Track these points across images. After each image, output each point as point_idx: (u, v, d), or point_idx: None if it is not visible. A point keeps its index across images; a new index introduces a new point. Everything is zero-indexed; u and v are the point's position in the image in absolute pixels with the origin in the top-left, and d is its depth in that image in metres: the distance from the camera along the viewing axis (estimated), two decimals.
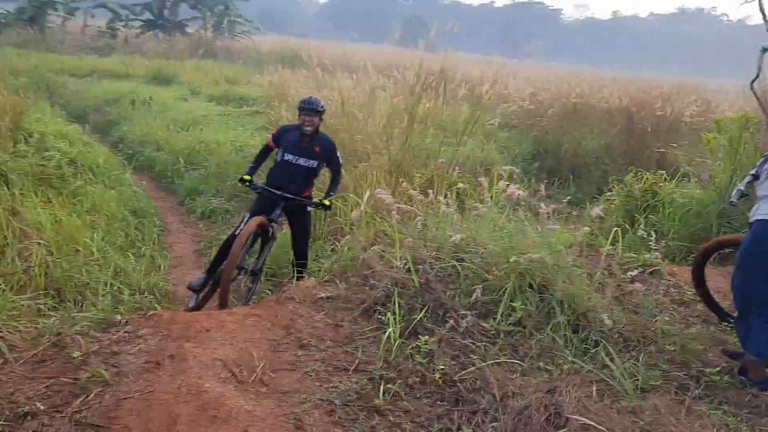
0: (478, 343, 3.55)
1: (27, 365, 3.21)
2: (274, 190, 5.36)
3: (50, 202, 6.55)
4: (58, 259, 5.27)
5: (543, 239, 4.15)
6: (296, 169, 5.45)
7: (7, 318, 3.54)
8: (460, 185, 4.95)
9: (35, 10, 24.18)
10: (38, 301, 4.40)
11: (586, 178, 9.41)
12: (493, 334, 3.66)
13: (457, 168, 6.13)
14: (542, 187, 4.83)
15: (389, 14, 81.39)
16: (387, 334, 3.56)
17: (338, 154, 5.61)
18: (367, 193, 5.44)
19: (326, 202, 5.38)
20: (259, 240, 5.45)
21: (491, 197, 4.73)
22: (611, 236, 4.39)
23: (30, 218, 5.83)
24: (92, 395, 3.02)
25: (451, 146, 7.37)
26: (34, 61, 17.02)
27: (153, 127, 11.30)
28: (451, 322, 3.69)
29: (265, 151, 5.74)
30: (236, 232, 5.43)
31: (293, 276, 5.49)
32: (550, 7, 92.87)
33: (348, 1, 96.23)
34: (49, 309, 4.47)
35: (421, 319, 3.74)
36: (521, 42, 61.89)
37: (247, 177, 5.48)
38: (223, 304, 4.79)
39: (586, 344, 3.60)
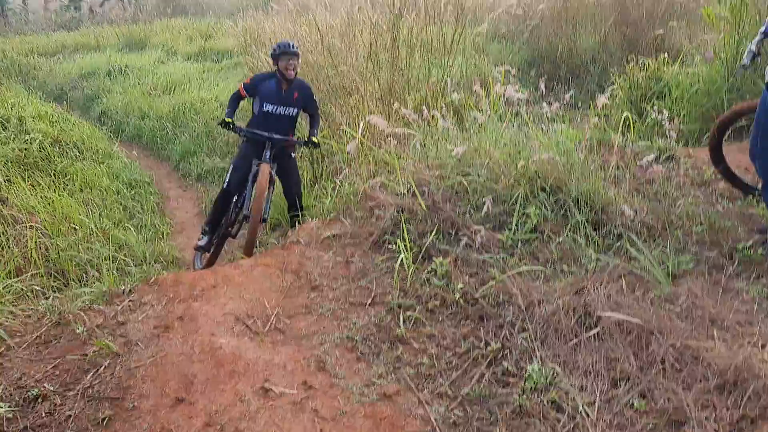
0: (496, 257, 3.37)
1: (31, 348, 3.08)
2: (260, 132, 5.25)
3: (39, 184, 6.38)
4: (55, 240, 5.12)
5: (550, 139, 3.90)
6: (279, 119, 5.35)
7: (6, 303, 3.39)
8: (455, 96, 4.66)
9: None
10: (37, 283, 4.26)
11: (586, 78, 9.04)
12: (509, 245, 3.46)
13: (451, 85, 5.82)
14: (542, 86, 4.54)
15: None
16: (399, 261, 3.38)
17: (315, 97, 5.54)
18: (361, 124, 5.18)
19: (315, 139, 5.30)
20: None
21: (489, 104, 4.45)
22: (621, 125, 4.14)
23: (20, 203, 5.67)
24: (102, 368, 2.90)
25: (440, 66, 7.03)
26: (0, 45, 16.52)
27: (134, 95, 10.98)
28: (465, 239, 3.50)
29: (237, 98, 5.55)
30: (225, 187, 5.44)
31: (291, 225, 5.40)
32: None
33: None
34: (53, 290, 4.35)
35: (432, 241, 3.55)
36: None
37: (228, 120, 5.30)
38: (249, 252, 4.75)
39: (609, 240, 3.40)
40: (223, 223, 5.60)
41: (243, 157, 5.43)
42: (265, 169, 5.02)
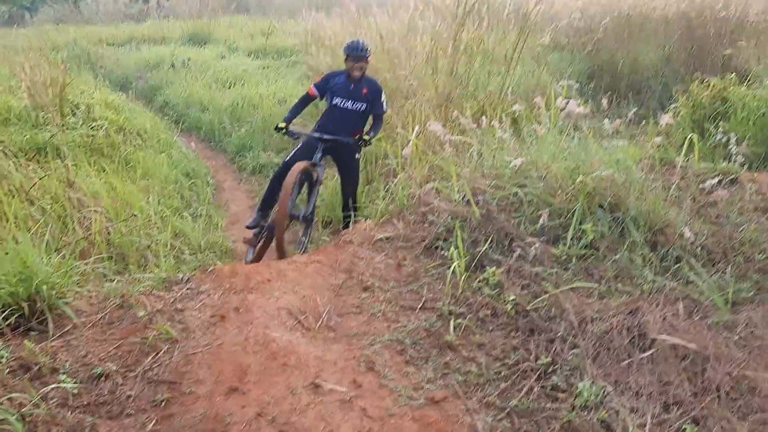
0: (549, 270, 3.37)
1: (96, 328, 3.22)
2: (311, 133, 5.36)
3: (104, 170, 6.61)
4: (117, 224, 5.30)
5: (610, 156, 3.87)
6: (346, 114, 5.44)
7: (73, 284, 3.55)
8: (516, 107, 4.67)
9: None
10: (102, 266, 4.43)
11: (647, 93, 8.89)
12: (564, 260, 3.46)
13: (509, 95, 5.82)
14: (604, 102, 4.50)
15: None
16: (452, 268, 3.41)
17: (383, 98, 5.52)
18: (417, 128, 5.22)
19: (365, 137, 5.31)
20: (306, 186, 5.43)
21: (549, 118, 4.44)
22: (685, 145, 4.07)
23: (85, 188, 5.88)
24: (162, 353, 3.01)
25: (500, 74, 7.02)
26: (72, 34, 17.14)
27: (195, 88, 11.27)
28: (518, 251, 3.51)
29: (305, 101, 5.63)
30: (283, 163, 5.50)
31: (342, 222, 5.60)
32: None
33: None
34: (114, 273, 4.52)
35: (486, 250, 3.57)
36: None
37: (282, 124, 5.38)
38: (281, 255, 4.75)
39: (666, 261, 3.36)
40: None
41: (298, 152, 5.48)
42: (296, 168, 4.96)
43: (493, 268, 3.38)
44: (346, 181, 5.59)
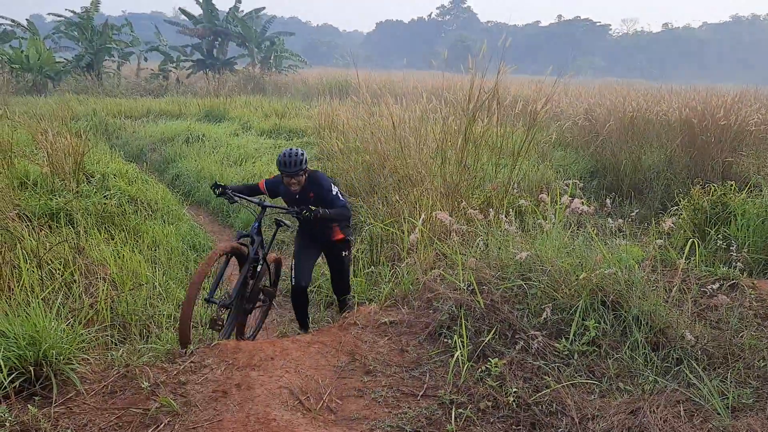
0: (552, 365, 3.41)
1: (98, 396, 3.24)
2: (249, 198, 4.85)
3: (113, 238, 6.72)
4: (123, 294, 5.35)
5: (613, 255, 3.98)
6: (308, 220, 4.84)
7: (77, 351, 3.58)
8: (522, 202, 4.82)
9: (91, 57, 25.33)
10: (105, 334, 4.47)
11: (649, 194, 9.11)
12: (566, 355, 3.50)
13: (515, 188, 6.00)
14: (608, 203, 4.67)
15: (433, 40, 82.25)
16: (455, 357, 3.45)
17: (334, 192, 4.91)
18: (423, 215, 5.37)
19: (308, 209, 4.63)
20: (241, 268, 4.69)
21: (554, 214, 4.58)
22: (687, 249, 4.18)
23: (94, 255, 5.97)
24: (162, 425, 3.02)
25: (506, 167, 7.25)
26: (92, 105, 17.72)
27: (207, 163, 11.54)
28: (521, 343, 3.56)
29: (255, 190, 5.12)
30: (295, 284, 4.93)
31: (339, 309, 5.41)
32: (597, 23, 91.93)
33: (391, 30, 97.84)
34: (116, 342, 4.55)
35: (489, 341, 3.61)
36: (570, 59, 61.35)
37: (220, 183, 4.90)
38: (182, 340, 3.96)
39: (668, 362, 3.41)
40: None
41: (299, 245, 5.12)
42: (217, 250, 4.41)
43: (496, 359, 3.42)
44: (335, 275, 5.30)
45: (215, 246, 8.77)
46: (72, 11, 26.59)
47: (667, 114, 10.33)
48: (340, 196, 4.97)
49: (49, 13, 30.25)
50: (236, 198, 4.87)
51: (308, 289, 5.10)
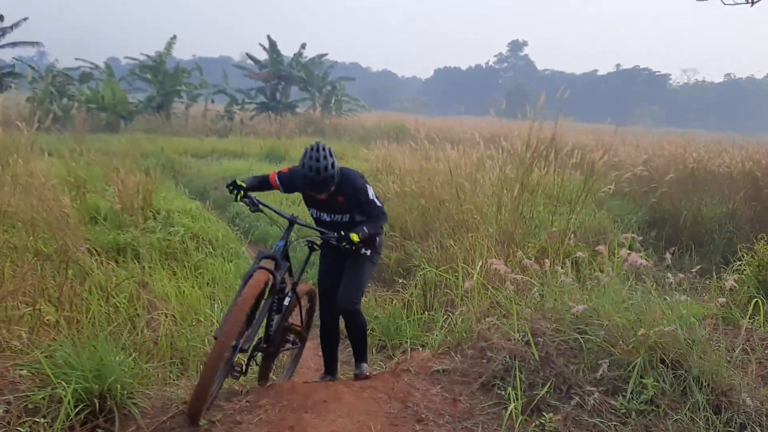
0: (608, 422, 3.34)
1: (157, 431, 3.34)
2: (279, 211, 4.08)
3: (175, 274, 6.95)
4: (183, 329, 5.51)
5: (673, 311, 3.90)
6: (332, 225, 4.10)
7: (139, 385, 3.71)
8: (579, 254, 4.79)
9: (162, 98, 26.57)
10: (165, 370, 4.61)
11: (709, 247, 8.86)
12: (623, 413, 3.43)
13: (572, 237, 5.96)
14: (668, 257, 4.59)
15: (490, 87, 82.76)
16: (508, 410, 3.42)
17: (370, 194, 4.04)
18: (480, 263, 5.38)
19: (352, 236, 3.80)
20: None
21: (612, 267, 4.53)
22: (751, 308, 4.07)
23: (157, 290, 6.18)
24: None
25: (562, 215, 7.21)
26: (160, 144, 18.51)
27: (268, 201, 11.85)
28: (577, 398, 3.51)
29: (264, 183, 4.27)
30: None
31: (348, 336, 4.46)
32: (657, 73, 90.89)
33: (449, 76, 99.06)
34: (174, 377, 4.68)
35: (543, 395, 3.57)
36: (629, 109, 60.65)
37: (241, 182, 4.01)
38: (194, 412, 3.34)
39: (730, 427, 3.29)
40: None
41: (322, 269, 4.38)
42: (260, 278, 3.58)
43: (551, 414, 3.38)
44: (343, 283, 4.18)
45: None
46: (146, 55, 28.11)
47: (729, 166, 10.09)
48: (377, 200, 4.09)
49: (125, 57, 32.08)
50: (260, 206, 3.98)
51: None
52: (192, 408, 3.29)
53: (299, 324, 4.44)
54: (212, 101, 32.39)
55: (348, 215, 4.07)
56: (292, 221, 3.95)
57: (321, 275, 4.40)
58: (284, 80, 31.50)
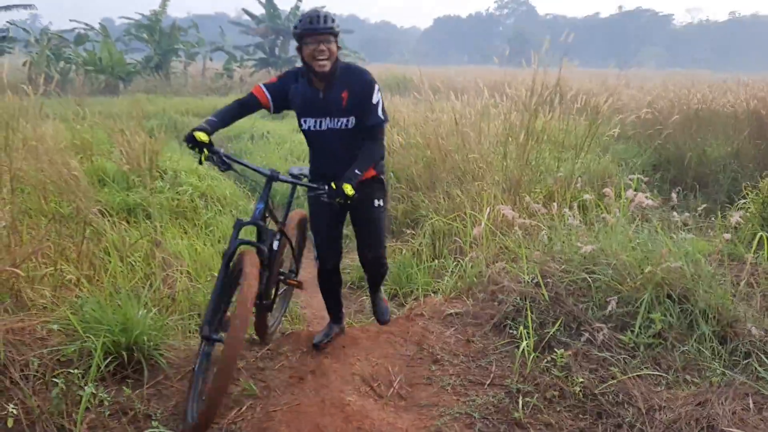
0: (617, 356, 3.47)
1: (184, 380, 3.48)
2: (253, 166, 3.42)
3: (186, 232, 7.05)
4: (199, 285, 5.64)
5: (679, 248, 3.99)
6: (330, 139, 3.42)
7: (164, 337, 3.84)
8: (586, 197, 4.86)
9: (160, 58, 26.26)
10: (185, 323, 4.74)
11: (714, 187, 8.91)
12: (632, 347, 3.55)
13: (578, 181, 6.01)
14: (674, 196, 4.66)
15: (491, 35, 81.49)
16: (521, 348, 3.54)
17: (376, 97, 3.36)
18: (487, 210, 5.45)
19: (346, 187, 3.18)
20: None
21: (618, 208, 4.60)
22: (756, 243, 4.15)
23: (171, 248, 6.29)
24: (245, 408, 3.24)
25: (568, 160, 7.25)
26: (161, 104, 18.41)
27: (272, 159, 11.87)
28: (586, 335, 3.63)
29: (246, 105, 3.51)
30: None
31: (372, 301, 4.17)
32: (660, 13, 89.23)
33: (449, 25, 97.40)
34: (195, 330, 4.82)
35: (554, 332, 3.69)
36: (632, 51, 59.75)
37: (201, 135, 3.18)
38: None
39: (736, 356, 3.42)
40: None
41: (314, 215, 3.76)
42: (250, 260, 3.11)
43: (562, 350, 3.50)
44: (363, 241, 3.73)
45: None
46: (141, 14, 27.68)
47: (734, 105, 10.04)
48: (382, 111, 3.42)
49: (120, 17, 31.59)
50: (232, 163, 3.31)
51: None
52: (207, 416, 2.87)
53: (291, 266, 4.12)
54: (210, 59, 31.98)
55: (353, 119, 3.36)
56: (271, 177, 3.36)
57: (315, 223, 3.74)
58: (282, 35, 31.02)
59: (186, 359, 3.73)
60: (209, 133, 3.24)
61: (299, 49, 3.33)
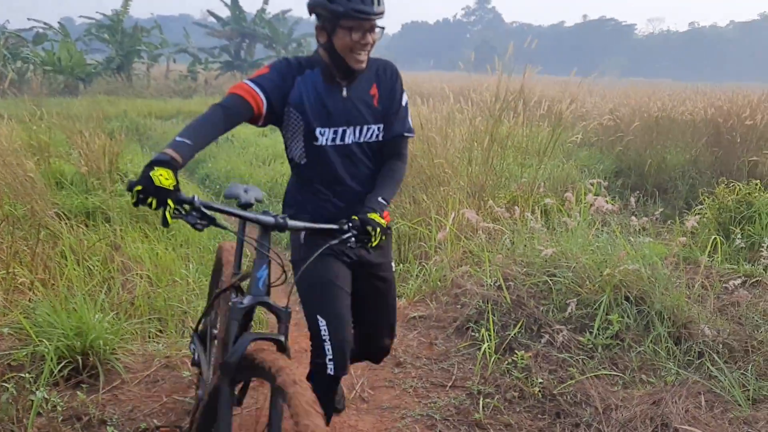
0: (576, 357, 3.52)
1: (142, 385, 3.41)
2: (255, 218, 2.14)
3: (147, 236, 6.93)
4: (159, 290, 5.55)
5: (636, 251, 4.07)
6: (351, 165, 2.41)
7: (121, 342, 3.76)
8: (548, 201, 4.93)
9: (121, 59, 25.83)
10: (144, 327, 4.66)
11: (673, 193, 9.12)
12: (590, 348, 3.61)
13: (541, 186, 6.10)
14: (632, 201, 4.76)
15: (459, 42, 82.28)
16: (482, 350, 3.57)
17: (405, 98, 2.47)
18: (452, 214, 5.48)
19: (373, 216, 2.19)
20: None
21: (579, 212, 4.68)
22: (709, 246, 4.26)
23: (131, 252, 6.18)
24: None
25: (531, 166, 7.34)
26: (123, 106, 18.10)
27: (237, 163, 11.78)
28: (547, 336, 3.67)
29: (229, 116, 2.19)
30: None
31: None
32: (623, 23, 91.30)
33: (416, 31, 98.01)
34: (155, 335, 4.74)
35: (515, 335, 3.73)
36: (597, 60, 61.07)
37: (162, 178, 1.81)
38: None
39: (690, 356, 3.51)
40: None
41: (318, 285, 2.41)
42: (288, 370, 1.79)
43: (522, 352, 3.54)
44: (377, 324, 2.70)
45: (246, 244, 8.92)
46: (102, 14, 27.19)
47: (692, 113, 10.31)
48: (410, 116, 2.50)
49: (80, 16, 30.94)
50: (213, 214, 1.97)
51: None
52: None
53: None
54: (174, 61, 31.56)
55: (382, 127, 2.39)
56: (277, 226, 2.10)
57: (321, 298, 2.41)
58: (248, 38, 30.85)
59: (145, 363, 3.66)
60: (177, 168, 1.89)
61: (324, 34, 2.27)
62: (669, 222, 6.82)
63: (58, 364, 3.28)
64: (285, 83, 2.31)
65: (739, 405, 3.01)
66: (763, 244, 4.71)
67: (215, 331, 2.73)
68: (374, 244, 2.17)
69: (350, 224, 2.16)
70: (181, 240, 7.46)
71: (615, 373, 3.38)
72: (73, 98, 19.70)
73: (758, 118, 9.07)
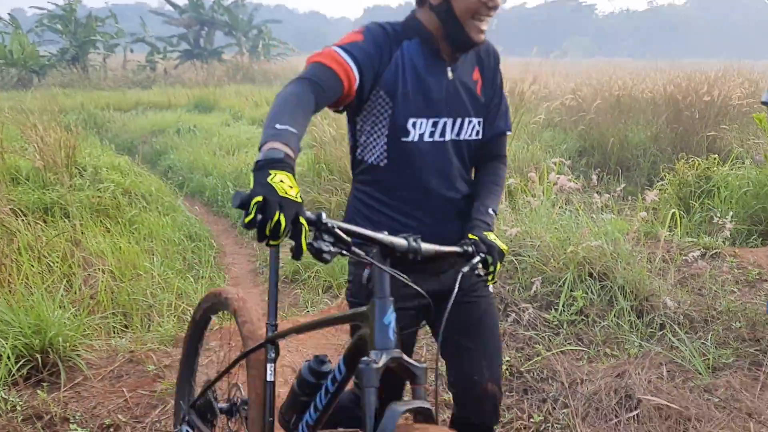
0: (542, 334, 3.56)
1: (105, 380, 3.35)
2: (381, 239, 1.44)
3: (109, 231, 6.79)
4: (123, 284, 5.45)
5: (599, 228, 4.12)
6: (444, 168, 1.86)
7: (83, 338, 3.68)
8: (511, 181, 4.95)
9: (76, 50, 25.17)
10: (108, 322, 4.57)
11: (635, 171, 9.26)
12: (556, 325, 3.66)
13: None
14: (594, 178, 4.81)
15: None
16: None
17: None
18: None
19: (495, 240, 1.75)
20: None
21: (543, 191, 4.72)
22: (668, 220, 4.34)
23: (92, 247, 6.05)
24: (169, 406, 3.13)
25: None
26: (79, 98, 17.66)
27: (200, 154, 11.60)
28: (513, 315, 3.70)
29: (321, 93, 1.60)
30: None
31: None
32: (583, 2, 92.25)
33: (379, 15, 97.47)
34: (119, 330, 4.65)
35: None
36: (559, 41, 61.58)
37: (287, 188, 1.25)
38: None
39: (652, 328, 3.58)
40: None
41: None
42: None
43: None
44: (476, 358, 1.94)
45: (211, 234, 8.82)
46: (54, 4, 26.41)
47: (652, 91, 10.46)
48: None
49: (30, 6, 29.92)
50: (351, 243, 1.38)
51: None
52: None
53: None
54: (131, 51, 30.83)
55: (482, 122, 1.91)
56: (411, 250, 1.47)
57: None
58: (207, 25, 30.32)
59: (108, 359, 3.59)
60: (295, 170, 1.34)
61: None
62: (632, 198, 6.93)
63: (17, 363, 3.20)
64: (382, 58, 1.74)
65: (700, 373, 3.09)
66: (724, 217, 4.82)
67: (222, 405, 2.43)
68: (495, 281, 1.80)
69: (474, 246, 1.67)
70: (145, 233, 7.33)
71: (580, 348, 3.43)
72: (27, 91, 19.17)
73: (715, 94, 9.24)
